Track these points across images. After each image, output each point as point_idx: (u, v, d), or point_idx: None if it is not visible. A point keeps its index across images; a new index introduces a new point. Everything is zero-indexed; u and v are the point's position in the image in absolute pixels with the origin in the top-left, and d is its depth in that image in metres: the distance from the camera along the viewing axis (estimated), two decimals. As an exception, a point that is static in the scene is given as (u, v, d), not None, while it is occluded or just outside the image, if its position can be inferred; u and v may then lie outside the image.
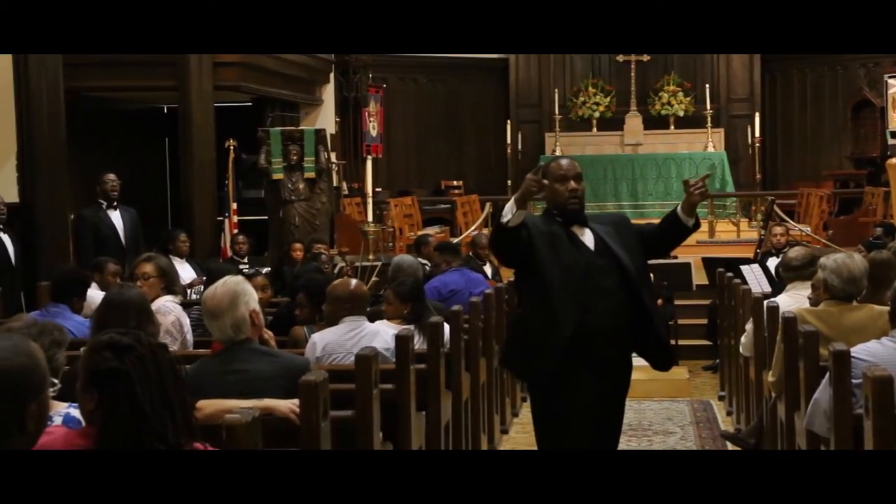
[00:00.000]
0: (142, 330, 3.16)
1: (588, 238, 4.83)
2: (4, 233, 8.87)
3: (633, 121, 19.48)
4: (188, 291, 9.00)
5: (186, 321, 6.22)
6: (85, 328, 6.26)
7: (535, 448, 5.14)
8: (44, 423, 2.60)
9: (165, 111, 14.75)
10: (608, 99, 19.85)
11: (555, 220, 4.84)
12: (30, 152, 9.64)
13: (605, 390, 4.81)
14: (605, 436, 4.88)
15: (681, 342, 10.99)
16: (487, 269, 10.48)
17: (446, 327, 6.20)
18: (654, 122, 19.69)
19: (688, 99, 19.68)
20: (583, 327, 4.68)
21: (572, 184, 4.83)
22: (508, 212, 4.56)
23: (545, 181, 4.60)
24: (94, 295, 6.86)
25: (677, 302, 11.33)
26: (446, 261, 8.96)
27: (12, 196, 9.50)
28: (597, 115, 19.80)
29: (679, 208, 4.88)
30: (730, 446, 7.51)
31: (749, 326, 7.09)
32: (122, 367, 2.78)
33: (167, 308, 6.14)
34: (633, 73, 19.63)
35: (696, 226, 4.95)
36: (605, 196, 18.07)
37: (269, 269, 10.52)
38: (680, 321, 11.09)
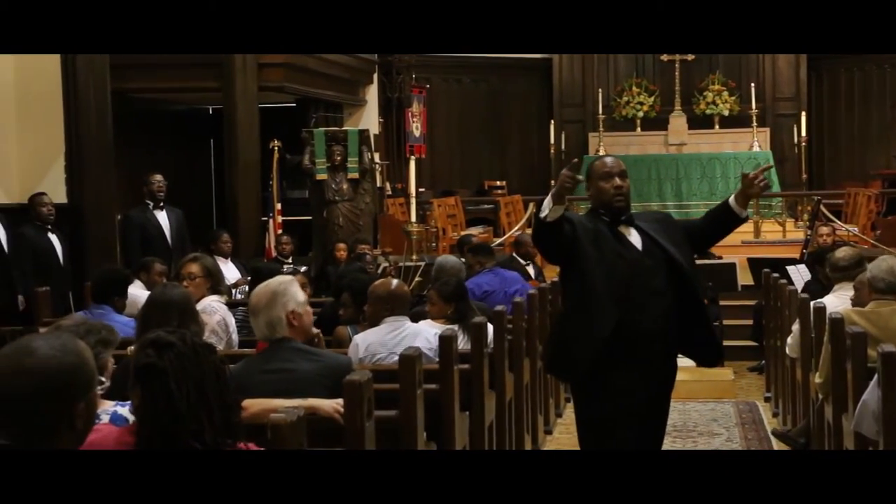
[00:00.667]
0: (185, 329, 3.17)
1: (635, 237, 4.79)
2: (52, 233, 8.97)
3: (678, 120, 19.37)
4: (233, 291, 9.06)
5: (232, 321, 6.26)
6: (129, 328, 6.32)
7: (579, 449, 5.11)
8: (92, 420, 2.62)
9: (211, 112, 14.85)
10: (652, 98, 19.75)
11: (601, 218, 4.81)
12: (77, 153, 9.74)
13: (649, 391, 4.77)
14: (649, 437, 4.85)
15: (726, 343, 10.89)
16: (531, 268, 10.45)
17: (490, 327, 6.20)
18: (699, 122, 19.57)
19: (733, 98, 19.54)
20: (627, 328, 4.64)
21: (617, 181, 4.79)
22: (546, 207, 4.55)
23: (580, 177, 4.58)
24: (140, 294, 6.92)
25: (722, 303, 11.25)
26: (480, 262, 8.95)
27: (60, 197, 9.60)
28: (641, 114, 19.71)
29: (733, 199, 4.82)
30: (775, 444, 7.46)
31: (795, 327, 7.03)
32: (159, 363, 2.80)
33: (213, 308, 6.18)
34: (677, 73, 19.52)
35: (746, 218, 4.94)
36: (649, 196, 17.97)
37: (309, 268, 10.58)
38: (725, 322, 11.01)
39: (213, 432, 2.77)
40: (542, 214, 4.56)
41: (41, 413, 2.49)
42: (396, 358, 5.34)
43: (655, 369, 4.79)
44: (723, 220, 4.91)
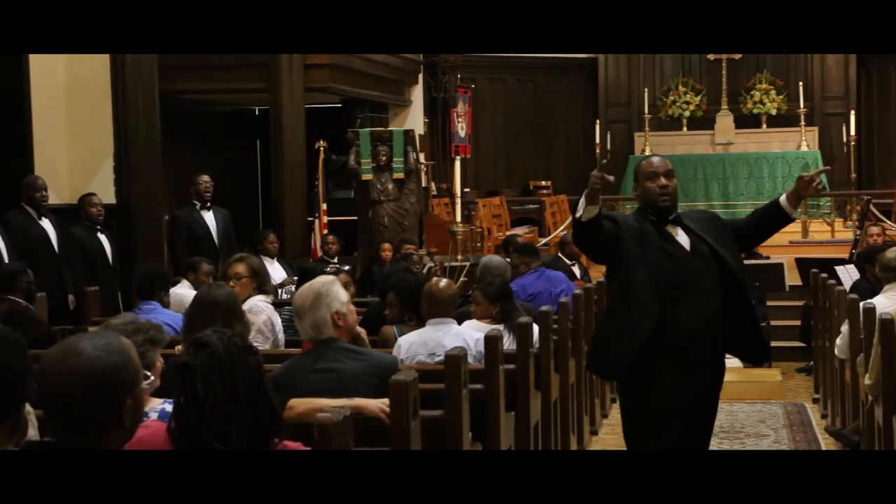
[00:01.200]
0: (229, 329, 3.19)
1: (682, 237, 4.77)
2: (102, 233, 9.06)
3: (725, 119, 19.24)
4: (279, 291, 9.10)
5: (278, 320, 6.29)
6: (177, 323, 6.41)
7: (624, 449, 5.10)
8: (140, 417, 2.65)
9: (257, 113, 14.93)
10: (699, 98, 19.63)
11: (647, 218, 4.79)
12: (126, 154, 9.83)
13: (695, 391, 4.75)
14: (694, 437, 4.83)
15: (773, 344, 10.80)
16: (576, 268, 10.42)
17: (535, 327, 6.18)
18: (746, 121, 19.42)
19: (780, 97, 19.38)
20: (671, 328, 4.63)
21: (663, 180, 4.78)
22: (580, 207, 4.58)
23: (610, 178, 4.59)
24: (187, 294, 6.98)
25: (770, 303, 11.17)
26: (525, 262, 8.92)
27: (109, 197, 9.69)
28: (687, 114, 19.60)
29: (784, 199, 4.81)
30: (823, 446, 7.39)
31: (844, 328, 6.97)
32: (191, 362, 2.82)
33: (259, 307, 6.22)
34: (724, 72, 19.39)
35: (794, 218, 4.96)
36: (695, 196, 17.87)
37: (353, 268, 10.60)
38: (773, 322, 10.93)
39: (240, 434, 2.77)
40: (577, 215, 4.60)
41: (90, 412, 2.51)
42: (436, 359, 5.36)
43: (700, 369, 4.77)
44: (772, 220, 4.89)
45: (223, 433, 2.75)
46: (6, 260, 7.79)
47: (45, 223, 8.58)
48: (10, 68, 9.54)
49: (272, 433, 2.82)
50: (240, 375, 2.81)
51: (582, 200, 4.55)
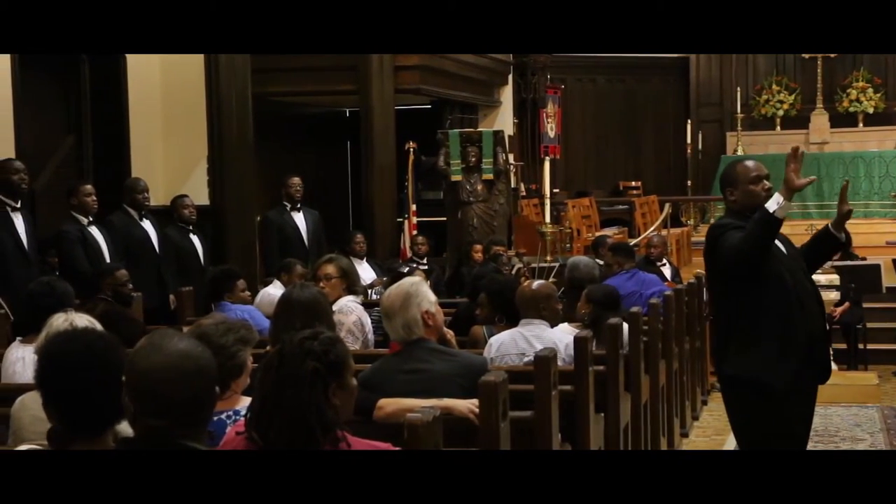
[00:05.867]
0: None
1: (778, 243, 4.75)
2: (194, 234, 9.19)
3: (820, 118, 18.91)
4: (369, 292, 9.16)
5: (368, 321, 6.33)
6: (246, 314, 6.53)
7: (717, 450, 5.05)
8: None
9: (347, 115, 15.05)
10: (793, 97, 19.33)
11: (743, 224, 4.71)
12: (219, 156, 9.98)
13: (815, 392, 4.83)
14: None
15: (869, 346, 10.65)
16: (666, 270, 10.33)
17: (625, 328, 6.14)
18: (842, 120, 19.06)
19: (878, 95, 18.98)
20: (810, 332, 4.69)
21: (766, 184, 4.77)
22: (774, 203, 4.51)
23: (814, 177, 4.59)
24: (278, 294, 7.06)
25: (865, 305, 10.96)
26: (618, 262, 8.86)
27: (203, 199, 9.84)
28: (781, 113, 19.30)
29: (830, 225, 4.88)
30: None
31: (944, 331, 6.82)
32: (261, 362, 2.90)
33: (349, 308, 6.26)
34: (819, 70, 19.06)
35: (848, 240, 4.99)
36: (805, 195, 17.57)
37: (440, 269, 10.62)
38: (868, 325, 10.74)
39: (278, 436, 2.81)
40: (772, 210, 4.52)
41: (207, 405, 2.58)
42: (525, 360, 5.36)
43: (824, 373, 4.82)
44: (825, 244, 4.95)
45: (264, 429, 2.81)
46: (108, 261, 7.94)
47: (147, 224, 8.73)
48: (108, 72, 9.75)
49: (321, 440, 2.84)
50: (291, 377, 2.85)
51: (781, 198, 4.51)
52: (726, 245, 4.65)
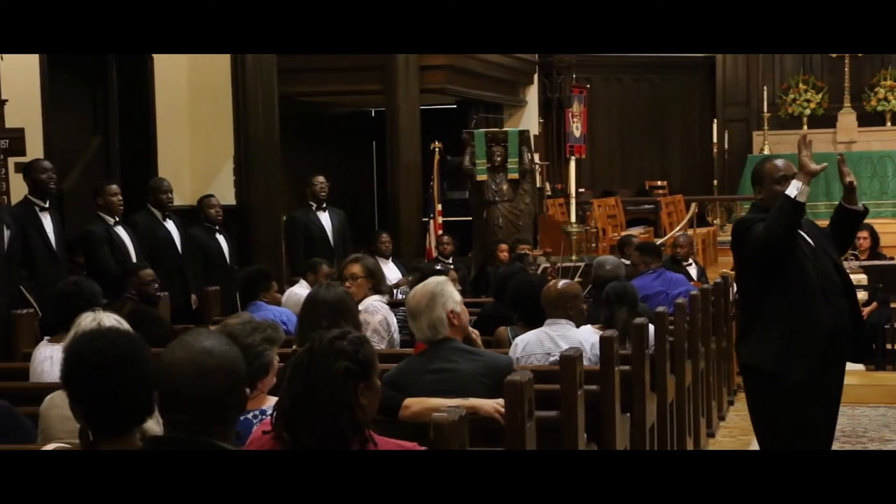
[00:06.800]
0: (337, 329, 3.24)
1: (805, 238, 4.76)
2: (220, 234, 9.22)
3: (847, 118, 18.81)
4: (394, 291, 9.16)
5: (394, 320, 6.33)
6: (283, 316, 6.54)
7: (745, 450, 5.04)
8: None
9: (373, 114, 15.07)
10: (820, 95, 19.23)
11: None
12: (246, 156, 10.02)
13: (838, 388, 4.83)
14: (831, 437, 4.90)
15: (898, 347, 10.57)
16: (692, 269, 10.29)
17: (651, 328, 6.13)
18: (870, 119, 18.96)
19: (906, 94, 18.88)
20: (834, 326, 4.69)
21: None
22: (794, 189, 4.56)
23: (826, 164, 4.63)
24: (304, 294, 7.08)
25: (893, 304, 10.87)
26: (645, 262, 8.84)
27: (229, 199, 9.88)
28: (808, 112, 19.21)
29: (843, 200, 4.92)
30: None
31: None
32: (290, 361, 2.91)
33: (375, 307, 6.27)
34: (846, 69, 18.96)
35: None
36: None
37: (466, 269, 10.61)
38: (897, 325, 10.65)
39: (310, 433, 2.82)
40: (793, 195, 4.56)
41: (232, 404, 2.58)
42: (551, 360, 5.35)
43: (844, 367, 4.85)
44: (846, 218, 4.93)
45: (294, 428, 2.81)
46: (134, 260, 7.98)
47: (170, 224, 8.77)
48: (135, 73, 9.80)
49: (350, 440, 2.85)
50: (323, 377, 2.85)
51: (800, 183, 4.56)
52: (752, 237, 4.69)
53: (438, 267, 8.66)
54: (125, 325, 4.09)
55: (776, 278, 4.71)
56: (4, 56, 6.92)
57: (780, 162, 4.86)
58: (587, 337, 5.69)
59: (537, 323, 5.80)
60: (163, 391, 2.59)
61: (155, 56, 9.89)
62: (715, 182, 18.82)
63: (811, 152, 4.65)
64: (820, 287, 4.67)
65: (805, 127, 19.18)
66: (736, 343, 5.17)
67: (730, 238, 5.23)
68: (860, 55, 18.90)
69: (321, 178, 10.39)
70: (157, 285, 7.13)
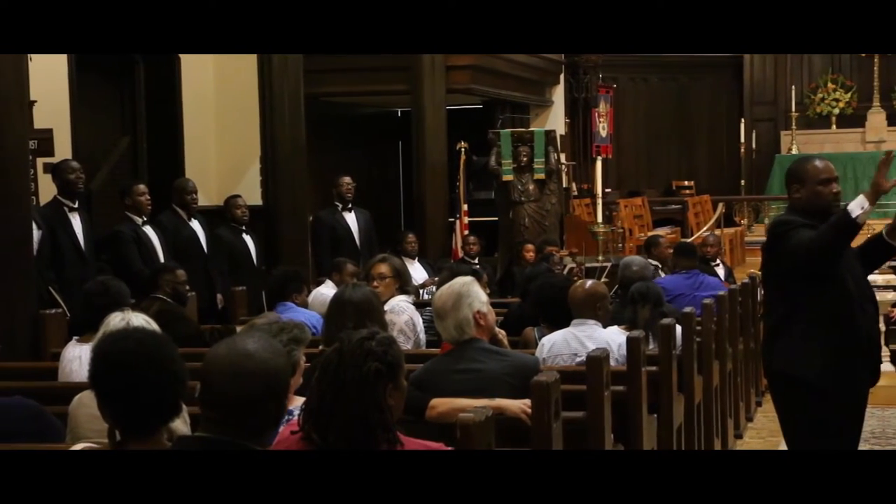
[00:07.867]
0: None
1: None
2: (247, 234, 9.25)
3: (877, 117, 18.70)
4: (420, 291, 9.16)
5: (419, 320, 6.33)
6: (314, 319, 6.55)
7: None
8: (283, 416, 2.72)
9: (399, 114, 15.08)
10: (849, 95, 19.13)
11: (808, 222, 4.63)
12: (272, 156, 10.04)
13: (867, 394, 4.79)
14: (857, 440, 4.84)
15: (927, 348, 10.49)
16: (720, 270, 10.25)
17: (678, 329, 6.10)
18: (900, 118, 18.85)
19: (936, 93, 18.76)
20: (868, 335, 4.67)
21: (835, 186, 4.69)
22: (857, 207, 4.35)
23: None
24: (331, 294, 7.09)
25: (923, 306, 10.81)
26: (678, 263, 8.81)
27: (256, 199, 9.91)
28: (836, 111, 19.11)
29: (885, 233, 4.68)
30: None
31: None
32: (318, 361, 2.91)
33: (401, 308, 6.27)
34: (876, 68, 18.84)
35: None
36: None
37: (492, 269, 10.61)
38: (926, 326, 10.58)
39: (340, 433, 2.82)
40: (855, 215, 4.37)
41: (262, 412, 2.58)
42: (577, 360, 5.34)
43: (874, 374, 4.77)
44: (880, 251, 4.78)
45: (323, 429, 2.82)
46: (161, 260, 8.01)
47: (195, 224, 8.80)
48: (162, 74, 9.85)
49: (379, 440, 2.85)
50: (351, 379, 2.85)
51: (862, 199, 4.36)
52: (794, 242, 4.52)
53: (476, 267, 8.61)
54: (154, 325, 4.11)
55: (816, 286, 4.59)
56: (33, 57, 6.96)
57: (820, 163, 4.74)
58: (614, 337, 5.68)
59: (560, 324, 5.79)
60: (202, 382, 2.61)
61: (182, 56, 9.93)
62: (742, 182, 18.74)
63: (888, 170, 4.42)
64: (858, 297, 4.61)
65: (834, 126, 19.09)
66: (763, 347, 5.05)
67: (757, 239, 5.18)
68: (889, 54, 18.77)
69: (347, 179, 10.40)
70: (188, 286, 7.16)
